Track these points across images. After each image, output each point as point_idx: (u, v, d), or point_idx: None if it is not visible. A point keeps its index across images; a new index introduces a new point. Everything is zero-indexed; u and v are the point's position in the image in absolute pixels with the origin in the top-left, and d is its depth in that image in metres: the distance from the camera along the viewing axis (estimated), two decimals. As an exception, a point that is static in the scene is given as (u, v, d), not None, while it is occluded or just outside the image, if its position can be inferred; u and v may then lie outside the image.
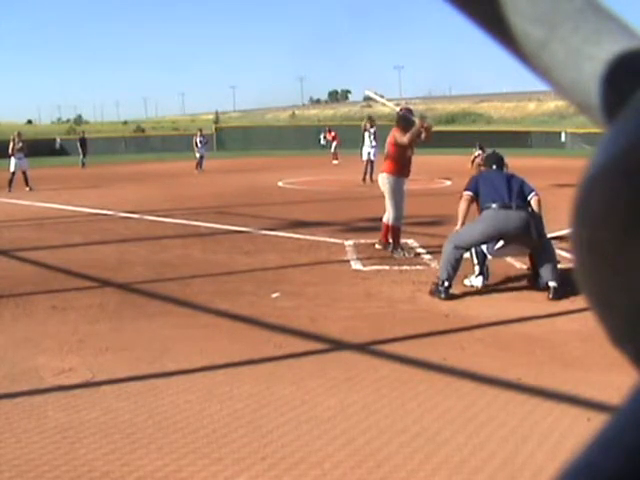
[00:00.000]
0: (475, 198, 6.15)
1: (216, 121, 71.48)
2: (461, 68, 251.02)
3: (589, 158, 0.29)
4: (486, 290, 6.03)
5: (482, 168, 6.76)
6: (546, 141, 40.57)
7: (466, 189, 6.25)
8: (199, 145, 24.70)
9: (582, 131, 36.66)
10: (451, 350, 4.39)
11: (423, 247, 8.03)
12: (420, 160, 27.65)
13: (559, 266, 5.88)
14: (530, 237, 5.83)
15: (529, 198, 6.02)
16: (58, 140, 44.64)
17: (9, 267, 7.31)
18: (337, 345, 4.59)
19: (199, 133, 25.52)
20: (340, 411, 3.45)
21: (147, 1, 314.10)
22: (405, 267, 7.00)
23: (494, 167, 6.49)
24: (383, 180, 7.73)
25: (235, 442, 3.11)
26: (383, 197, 7.80)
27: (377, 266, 7.06)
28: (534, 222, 5.84)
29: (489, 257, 6.15)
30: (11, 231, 10.04)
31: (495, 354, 4.33)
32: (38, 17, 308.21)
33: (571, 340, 4.57)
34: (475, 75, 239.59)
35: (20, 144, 17.63)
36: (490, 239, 5.93)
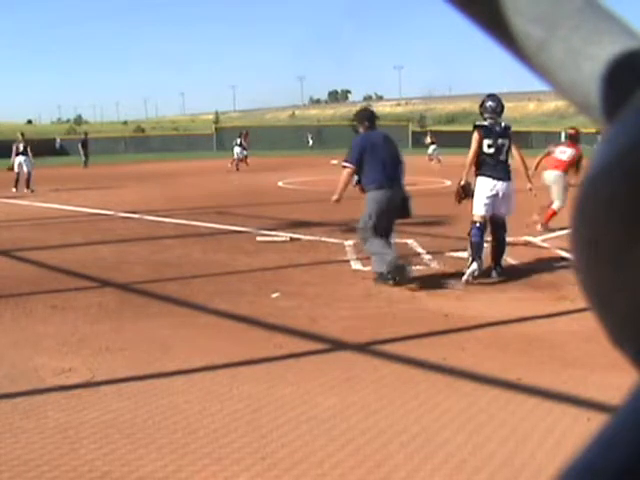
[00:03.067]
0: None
1: (216, 121, 71.54)
2: (461, 68, 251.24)
3: (590, 158, 0.29)
4: (486, 290, 6.03)
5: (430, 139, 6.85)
6: (546, 141, 40.51)
7: (348, 160, 6.41)
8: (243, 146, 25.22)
9: (582, 131, 36.62)
10: (451, 350, 4.39)
11: (423, 247, 8.03)
12: (420, 160, 27.48)
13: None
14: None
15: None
16: (58, 140, 44.69)
17: (9, 267, 7.31)
18: (337, 345, 4.59)
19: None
20: (340, 411, 3.45)
21: (147, 1, 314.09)
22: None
23: (367, 124, 6.56)
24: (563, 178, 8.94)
25: (235, 442, 3.11)
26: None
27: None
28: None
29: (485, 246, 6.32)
30: (11, 231, 10.04)
31: (495, 354, 4.33)
32: (38, 17, 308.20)
33: (571, 340, 4.57)
34: (475, 75, 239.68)
35: (21, 145, 17.57)
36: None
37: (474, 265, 6.20)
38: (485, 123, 6.52)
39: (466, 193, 6.38)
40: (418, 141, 44.73)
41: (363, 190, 6.48)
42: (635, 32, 0.37)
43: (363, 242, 6.44)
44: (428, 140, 28.84)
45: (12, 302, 5.71)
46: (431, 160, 26.50)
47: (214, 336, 4.75)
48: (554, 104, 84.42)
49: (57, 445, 3.09)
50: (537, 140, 41.54)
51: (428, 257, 7.48)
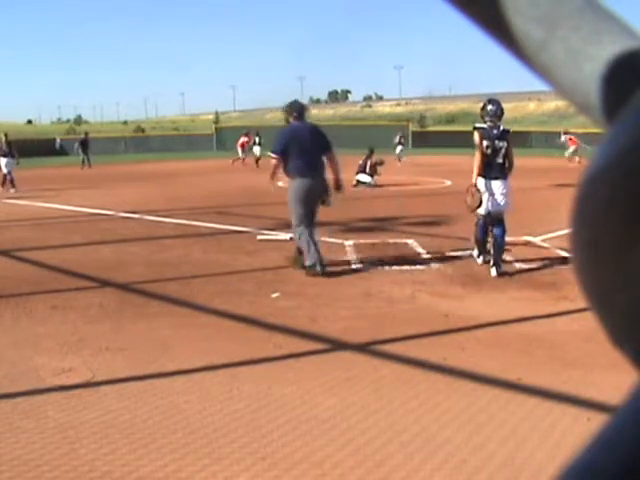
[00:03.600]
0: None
1: (216, 121, 71.51)
2: (461, 68, 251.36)
3: (590, 158, 0.29)
4: (486, 290, 6.03)
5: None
6: (546, 141, 40.56)
7: (273, 151, 6.77)
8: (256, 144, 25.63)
9: (582, 131, 36.66)
10: (451, 350, 4.39)
11: (423, 247, 8.03)
12: (420, 160, 27.42)
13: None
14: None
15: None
16: (58, 140, 44.70)
17: (9, 267, 7.31)
18: (337, 345, 4.59)
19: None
20: (340, 411, 3.45)
21: (147, 1, 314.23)
22: (405, 267, 7.00)
23: (295, 115, 6.91)
24: None
25: (235, 442, 3.11)
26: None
27: (377, 266, 7.06)
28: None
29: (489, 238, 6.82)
30: (11, 231, 10.04)
31: (495, 354, 4.33)
32: (38, 17, 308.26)
33: (571, 340, 4.57)
34: (475, 75, 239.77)
35: (5, 146, 17.70)
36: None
37: (479, 260, 6.96)
38: (484, 125, 6.66)
39: (480, 201, 6.57)
40: (419, 141, 44.78)
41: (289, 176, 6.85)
42: (635, 32, 0.37)
43: (296, 236, 6.82)
44: (396, 140, 27.76)
45: (12, 302, 5.71)
46: (400, 160, 26.08)
47: (214, 336, 4.75)
48: (554, 104, 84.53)
49: (57, 445, 3.09)
50: (537, 140, 41.54)
51: (428, 257, 7.48)
